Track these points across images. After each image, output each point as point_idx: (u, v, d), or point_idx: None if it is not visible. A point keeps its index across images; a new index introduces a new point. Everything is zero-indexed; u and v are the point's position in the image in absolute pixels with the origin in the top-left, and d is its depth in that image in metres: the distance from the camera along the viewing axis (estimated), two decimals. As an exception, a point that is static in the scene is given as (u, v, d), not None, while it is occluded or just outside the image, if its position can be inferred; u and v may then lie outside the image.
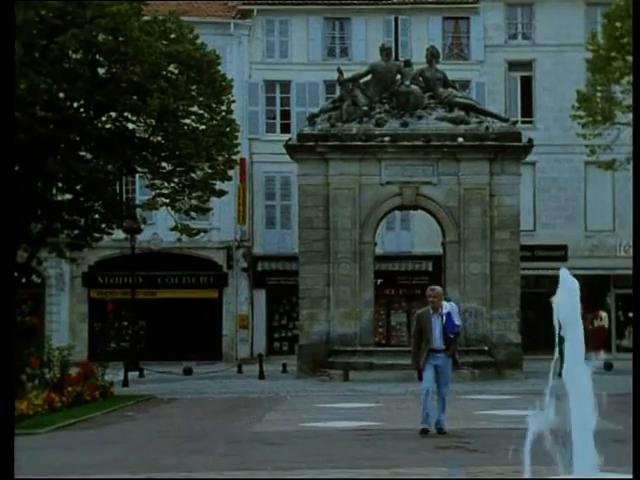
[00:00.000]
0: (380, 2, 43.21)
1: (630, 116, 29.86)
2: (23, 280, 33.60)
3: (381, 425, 17.49)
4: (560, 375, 8.83)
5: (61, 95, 28.90)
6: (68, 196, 31.47)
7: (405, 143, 31.77)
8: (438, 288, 15.76)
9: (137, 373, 32.49)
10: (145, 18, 30.05)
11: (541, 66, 42.79)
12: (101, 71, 29.70)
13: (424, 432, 14.74)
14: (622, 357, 35.85)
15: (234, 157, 32.74)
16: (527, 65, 43.01)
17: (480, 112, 33.00)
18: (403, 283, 42.83)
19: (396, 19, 43.12)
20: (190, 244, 40.14)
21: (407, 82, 32.56)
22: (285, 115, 43.27)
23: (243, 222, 42.53)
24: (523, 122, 41.07)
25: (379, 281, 36.80)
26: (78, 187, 30.52)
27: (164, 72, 29.92)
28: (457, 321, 15.35)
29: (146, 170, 31.58)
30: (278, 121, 43.35)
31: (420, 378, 15.18)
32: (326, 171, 32.00)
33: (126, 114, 30.21)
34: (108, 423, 18.96)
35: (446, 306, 15.26)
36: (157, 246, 41.13)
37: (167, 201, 31.55)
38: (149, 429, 17.93)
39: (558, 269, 9.34)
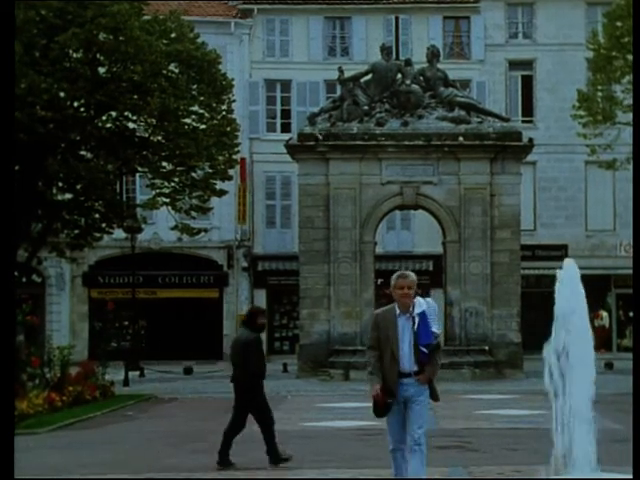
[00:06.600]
0: (381, 1, 43.16)
1: (630, 115, 29.85)
2: (23, 279, 33.60)
3: (382, 425, 17.42)
4: None
5: (61, 95, 28.87)
6: (68, 196, 31.46)
7: (406, 143, 31.77)
8: (412, 275, 9.49)
9: (137, 373, 32.49)
10: (146, 17, 30.04)
11: (542, 65, 42.73)
12: (102, 70, 29.71)
13: None
14: (623, 357, 35.84)
15: (234, 157, 32.74)
16: (528, 64, 42.94)
17: (481, 111, 33.00)
18: (404, 283, 42.71)
19: (397, 18, 43.06)
20: (190, 244, 40.11)
21: (408, 81, 32.54)
22: (286, 114, 43.20)
23: (243, 222, 42.47)
24: (524, 122, 41.05)
25: (379, 281, 36.70)
26: (78, 187, 30.50)
27: (165, 71, 29.91)
28: (435, 327, 9.44)
29: (146, 170, 31.59)
30: (279, 120, 43.28)
31: (380, 415, 9.80)
32: (326, 171, 32.00)
33: (127, 113, 30.21)
34: (108, 423, 18.95)
35: (420, 303, 9.39)
36: (157, 246, 41.07)
37: (167, 200, 31.54)
38: (149, 429, 17.93)
39: (558, 268, 9.36)
